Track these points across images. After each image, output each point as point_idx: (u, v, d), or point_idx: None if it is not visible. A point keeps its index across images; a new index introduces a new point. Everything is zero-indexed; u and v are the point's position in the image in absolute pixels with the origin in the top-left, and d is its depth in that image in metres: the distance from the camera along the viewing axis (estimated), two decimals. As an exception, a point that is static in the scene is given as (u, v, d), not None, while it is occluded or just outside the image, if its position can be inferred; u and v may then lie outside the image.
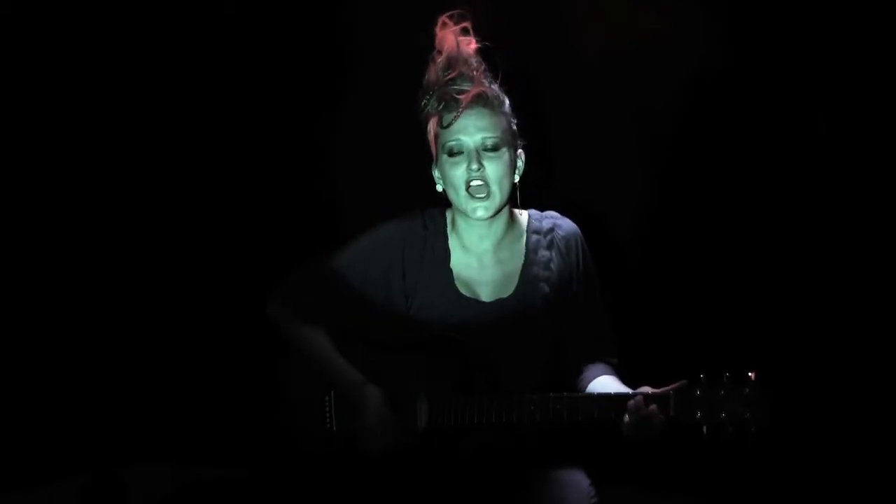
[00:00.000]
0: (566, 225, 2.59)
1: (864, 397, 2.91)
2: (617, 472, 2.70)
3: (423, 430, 2.42)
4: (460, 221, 2.57)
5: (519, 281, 2.52)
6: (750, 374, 2.23)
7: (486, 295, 2.52)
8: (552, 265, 2.54)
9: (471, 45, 2.50)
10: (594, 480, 2.47)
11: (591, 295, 2.57)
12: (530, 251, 2.55)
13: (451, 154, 2.49)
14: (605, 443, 2.48)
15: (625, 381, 2.44)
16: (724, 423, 2.21)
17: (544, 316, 2.50)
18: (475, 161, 2.46)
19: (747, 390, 2.21)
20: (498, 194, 2.48)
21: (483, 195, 2.47)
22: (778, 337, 2.97)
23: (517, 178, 2.54)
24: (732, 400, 2.22)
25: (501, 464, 2.44)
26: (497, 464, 2.43)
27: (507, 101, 2.53)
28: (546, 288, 2.52)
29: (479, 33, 2.51)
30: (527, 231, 2.58)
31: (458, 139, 2.48)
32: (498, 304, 2.50)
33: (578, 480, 2.45)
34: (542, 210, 2.62)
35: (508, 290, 2.51)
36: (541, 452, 2.48)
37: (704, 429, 2.23)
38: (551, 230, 2.58)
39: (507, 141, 2.50)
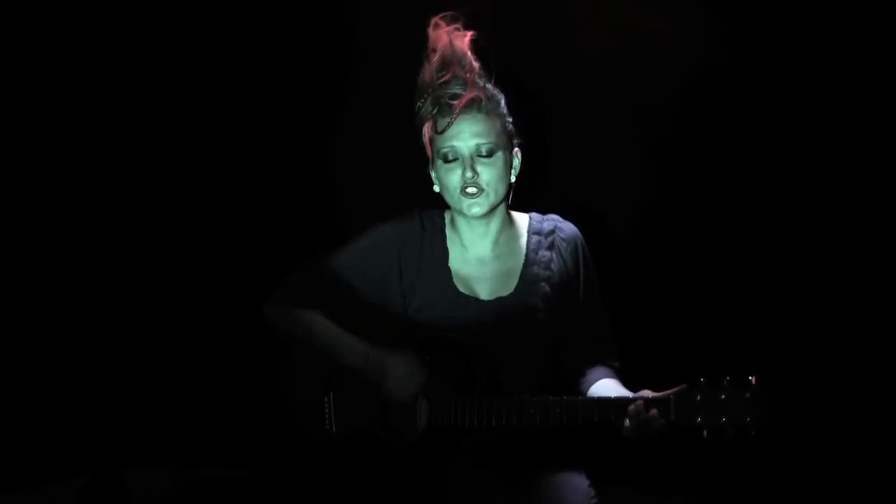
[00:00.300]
0: (567, 228, 2.60)
1: (863, 400, 2.92)
2: (617, 473, 2.71)
3: (423, 431, 2.43)
4: (459, 221, 2.57)
5: (519, 280, 2.52)
6: (750, 377, 2.23)
7: (485, 293, 2.52)
8: (553, 266, 2.54)
9: (465, 38, 2.50)
10: (594, 481, 2.48)
11: (592, 298, 2.57)
12: (531, 251, 2.55)
13: (446, 160, 2.49)
14: (605, 444, 2.48)
15: (625, 384, 2.44)
16: (725, 427, 2.21)
17: (545, 316, 2.50)
18: (469, 168, 2.46)
19: (748, 394, 2.21)
20: (492, 195, 2.49)
21: (477, 195, 2.47)
22: (778, 339, 2.98)
23: (514, 178, 2.55)
24: (733, 404, 2.22)
25: (501, 464, 2.44)
26: (497, 464, 2.44)
27: (502, 101, 2.52)
28: (546, 287, 2.52)
29: (475, 32, 2.51)
30: (528, 232, 2.58)
31: (452, 146, 2.47)
32: (497, 302, 2.50)
33: (578, 481, 2.46)
34: (543, 213, 2.62)
35: (508, 289, 2.52)
36: (541, 453, 2.48)
37: (705, 432, 2.24)
38: (552, 232, 2.58)
39: (503, 144, 2.49)
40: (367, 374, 2.45)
